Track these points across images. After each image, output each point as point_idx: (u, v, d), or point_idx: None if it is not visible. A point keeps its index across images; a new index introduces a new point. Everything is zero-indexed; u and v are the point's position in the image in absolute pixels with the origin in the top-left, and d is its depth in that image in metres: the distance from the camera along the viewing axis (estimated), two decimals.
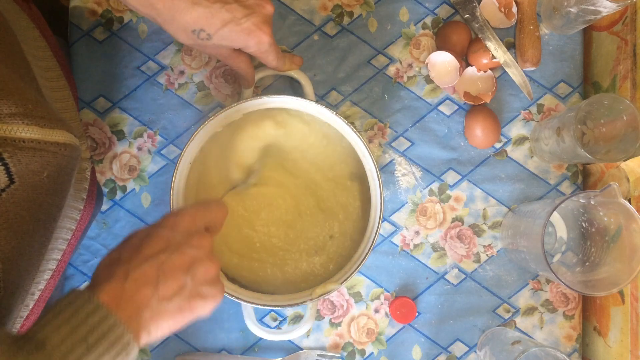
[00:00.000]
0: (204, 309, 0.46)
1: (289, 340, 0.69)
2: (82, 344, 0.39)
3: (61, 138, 0.45)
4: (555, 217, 0.69)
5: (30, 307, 0.57)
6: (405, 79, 0.71)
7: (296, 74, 0.65)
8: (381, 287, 0.70)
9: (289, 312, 0.69)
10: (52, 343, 0.38)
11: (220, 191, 0.66)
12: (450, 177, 0.71)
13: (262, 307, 0.60)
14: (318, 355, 0.68)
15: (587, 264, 0.64)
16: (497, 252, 0.70)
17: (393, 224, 0.70)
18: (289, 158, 0.66)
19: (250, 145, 0.64)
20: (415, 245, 0.70)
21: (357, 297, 0.69)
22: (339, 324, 0.69)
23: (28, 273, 0.47)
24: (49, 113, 0.44)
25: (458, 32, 0.69)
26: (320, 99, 0.71)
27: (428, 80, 0.71)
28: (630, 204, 0.57)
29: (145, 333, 0.43)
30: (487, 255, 0.70)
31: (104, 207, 0.69)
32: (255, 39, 0.54)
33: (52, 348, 0.38)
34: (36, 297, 0.57)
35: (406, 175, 0.70)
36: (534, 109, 0.71)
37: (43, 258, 0.49)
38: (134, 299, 0.42)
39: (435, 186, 0.71)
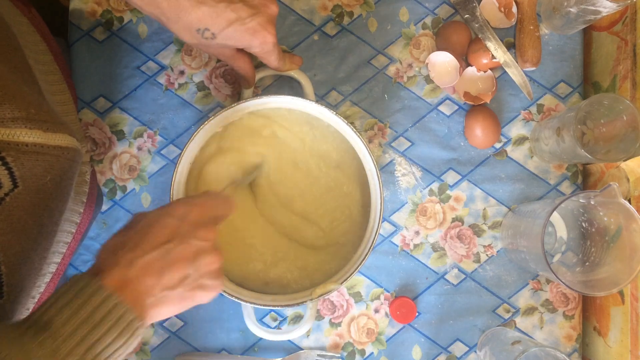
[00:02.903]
0: (203, 298, 0.47)
1: (289, 340, 0.69)
2: (87, 323, 0.39)
3: (64, 142, 0.45)
4: (555, 217, 0.69)
5: (31, 310, 0.57)
6: (405, 79, 0.71)
7: (296, 74, 0.65)
8: (381, 287, 0.70)
9: (289, 312, 0.69)
10: (57, 324, 0.39)
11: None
12: (450, 177, 0.71)
13: (262, 307, 0.60)
14: (318, 355, 0.68)
15: (587, 264, 0.64)
16: (497, 252, 0.70)
17: (393, 224, 0.70)
18: (289, 158, 0.66)
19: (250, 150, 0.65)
20: (415, 245, 0.70)
21: (357, 297, 0.69)
22: (339, 324, 0.69)
23: (30, 277, 0.47)
24: (51, 117, 0.44)
25: (458, 32, 0.69)
26: (320, 99, 0.71)
27: (428, 80, 0.71)
28: (630, 204, 0.57)
29: (148, 316, 0.43)
30: (487, 255, 0.70)
31: (104, 207, 0.69)
32: (259, 39, 0.54)
33: (57, 328, 0.39)
34: (36, 299, 0.57)
35: (406, 175, 0.70)
36: (534, 109, 0.71)
37: (45, 262, 0.49)
38: (138, 286, 0.42)
39: (435, 186, 0.71)
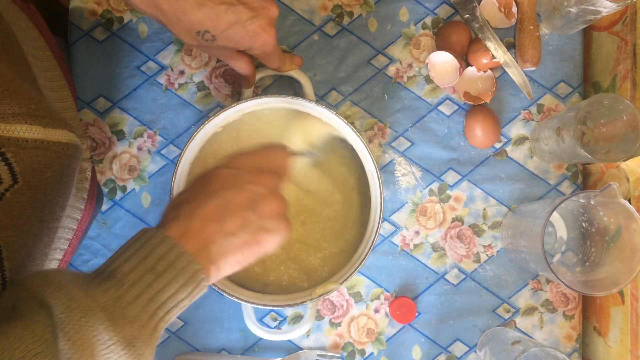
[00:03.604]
0: (270, 243, 0.47)
1: (289, 340, 0.69)
2: (151, 272, 0.40)
3: (64, 138, 0.45)
4: (555, 217, 0.69)
5: None
6: (405, 79, 0.71)
7: (296, 74, 0.65)
8: (381, 287, 0.70)
9: (289, 312, 0.69)
10: (121, 273, 0.40)
11: None
12: (450, 177, 0.71)
13: (262, 307, 0.60)
14: (318, 355, 0.68)
15: (587, 264, 0.64)
16: (497, 252, 0.70)
17: (393, 224, 0.70)
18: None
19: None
20: (415, 245, 0.70)
21: (357, 297, 0.69)
22: (339, 324, 0.69)
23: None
24: (51, 113, 0.44)
25: (458, 32, 0.69)
26: (320, 99, 0.71)
27: (428, 80, 0.71)
28: (630, 204, 0.57)
29: (214, 268, 0.44)
30: (487, 255, 0.70)
31: (104, 207, 0.69)
32: (260, 41, 0.54)
33: (122, 277, 0.40)
34: None
35: (406, 175, 0.70)
36: (534, 109, 0.71)
37: (47, 258, 0.49)
38: (200, 235, 0.43)
39: (435, 186, 0.71)
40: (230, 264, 0.45)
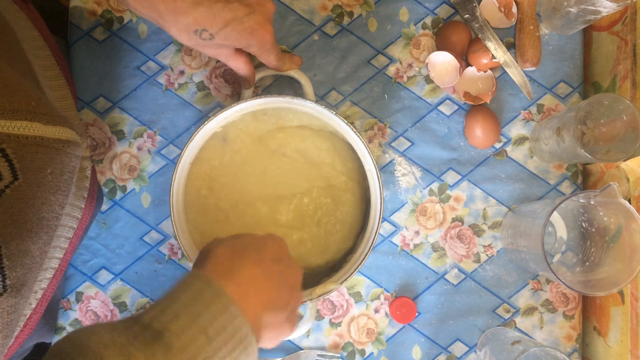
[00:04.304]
0: (291, 330, 0.46)
1: (289, 340, 0.69)
2: (204, 334, 0.36)
3: (64, 135, 0.45)
4: (555, 217, 0.69)
5: (34, 305, 0.57)
6: (405, 79, 0.71)
7: (296, 74, 0.65)
8: (381, 287, 0.70)
9: None
10: (170, 332, 0.36)
11: (221, 191, 0.66)
12: (450, 177, 0.71)
13: None
14: (318, 355, 0.68)
15: (587, 264, 0.64)
16: (497, 252, 0.70)
17: (393, 224, 0.70)
18: (289, 158, 0.66)
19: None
20: (415, 245, 0.70)
21: (357, 297, 0.69)
22: (339, 324, 0.69)
23: (32, 271, 0.47)
24: (51, 110, 0.44)
25: (458, 32, 0.69)
26: (320, 99, 0.71)
27: (428, 80, 0.71)
28: (630, 204, 0.57)
29: (258, 339, 0.41)
30: (487, 255, 0.70)
31: (104, 207, 0.69)
32: (257, 38, 0.54)
33: (171, 337, 0.35)
34: (39, 295, 0.57)
35: (406, 175, 0.70)
36: (534, 109, 0.71)
37: (46, 256, 0.49)
38: (258, 300, 0.41)
39: (435, 186, 0.71)
40: (268, 340, 0.42)
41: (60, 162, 0.45)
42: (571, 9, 0.64)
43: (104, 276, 0.69)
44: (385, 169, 0.71)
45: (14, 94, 0.41)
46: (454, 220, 0.70)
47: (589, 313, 0.71)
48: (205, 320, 0.36)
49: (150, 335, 0.35)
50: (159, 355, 0.34)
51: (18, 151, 0.41)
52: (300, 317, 0.48)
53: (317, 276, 0.64)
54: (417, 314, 0.69)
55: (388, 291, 0.70)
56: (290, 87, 0.70)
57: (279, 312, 0.43)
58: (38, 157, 0.42)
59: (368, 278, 0.70)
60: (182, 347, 0.35)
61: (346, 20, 0.71)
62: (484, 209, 0.71)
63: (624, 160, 0.62)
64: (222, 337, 0.37)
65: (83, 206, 0.61)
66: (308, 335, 0.69)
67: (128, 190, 0.70)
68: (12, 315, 0.44)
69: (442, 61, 0.69)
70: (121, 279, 0.69)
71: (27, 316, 0.56)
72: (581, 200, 0.63)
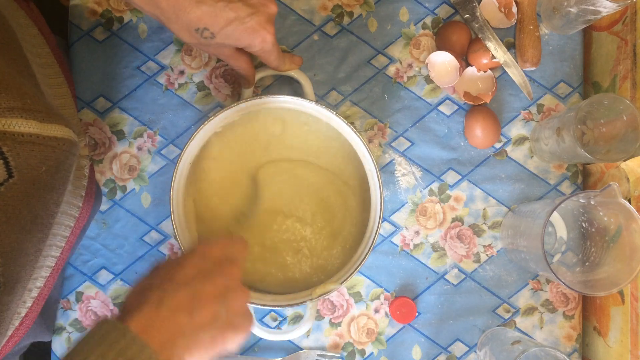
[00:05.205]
0: (234, 340, 0.45)
1: (289, 340, 0.69)
2: None
3: (60, 133, 0.45)
4: (555, 217, 0.69)
5: (29, 305, 0.57)
6: (405, 79, 0.71)
7: (296, 74, 0.65)
8: (381, 287, 0.70)
9: (289, 312, 0.69)
10: None
11: (221, 190, 0.66)
12: (450, 177, 0.71)
13: (262, 307, 0.60)
14: (318, 355, 0.68)
15: (587, 264, 0.64)
16: (497, 252, 0.70)
17: (393, 224, 0.70)
18: (289, 158, 0.66)
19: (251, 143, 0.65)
20: (415, 245, 0.70)
21: (357, 297, 0.69)
22: (339, 324, 0.69)
23: (26, 269, 0.47)
24: (47, 108, 0.44)
25: (458, 32, 0.69)
26: (320, 99, 0.71)
27: (428, 80, 0.71)
28: (630, 204, 0.57)
29: None
30: (487, 255, 0.70)
31: (104, 207, 0.69)
32: (259, 38, 0.54)
33: None
34: (34, 294, 0.57)
35: (406, 175, 0.70)
36: (534, 109, 0.71)
37: (41, 254, 0.49)
38: (168, 325, 0.41)
39: (435, 186, 0.71)
40: (201, 356, 0.42)
41: (55, 160, 0.45)
42: (571, 9, 0.64)
43: (104, 276, 0.69)
44: (385, 169, 0.71)
45: (9, 91, 0.41)
46: (454, 220, 0.70)
47: (589, 313, 0.71)
48: (111, 357, 0.38)
49: None
50: None
51: (13, 149, 0.41)
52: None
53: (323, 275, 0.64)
54: (417, 314, 0.69)
55: (388, 291, 0.70)
56: (290, 87, 0.70)
57: (202, 329, 0.42)
58: (33, 155, 0.42)
59: (368, 278, 0.70)
60: None
61: (346, 20, 0.71)
62: (484, 209, 0.71)
63: (624, 160, 0.62)
64: None
65: (80, 205, 0.61)
66: (308, 335, 0.69)
67: (128, 190, 0.70)
68: (5, 312, 0.44)
69: (442, 61, 0.69)
70: (121, 279, 0.69)
71: (23, 315, 0.56)
72: (581, 200, 0.63)
